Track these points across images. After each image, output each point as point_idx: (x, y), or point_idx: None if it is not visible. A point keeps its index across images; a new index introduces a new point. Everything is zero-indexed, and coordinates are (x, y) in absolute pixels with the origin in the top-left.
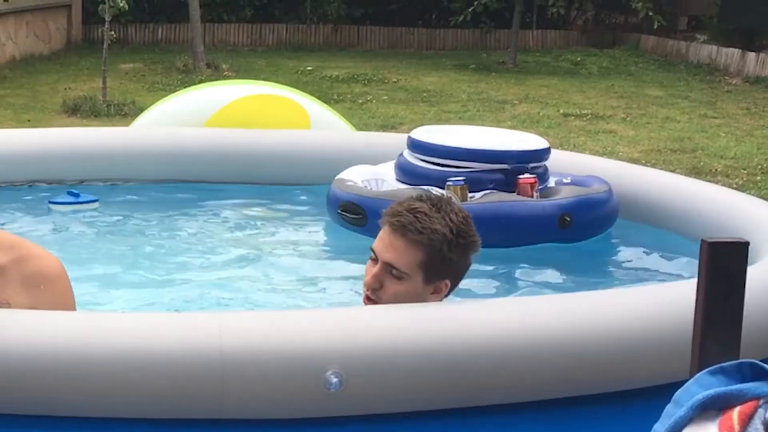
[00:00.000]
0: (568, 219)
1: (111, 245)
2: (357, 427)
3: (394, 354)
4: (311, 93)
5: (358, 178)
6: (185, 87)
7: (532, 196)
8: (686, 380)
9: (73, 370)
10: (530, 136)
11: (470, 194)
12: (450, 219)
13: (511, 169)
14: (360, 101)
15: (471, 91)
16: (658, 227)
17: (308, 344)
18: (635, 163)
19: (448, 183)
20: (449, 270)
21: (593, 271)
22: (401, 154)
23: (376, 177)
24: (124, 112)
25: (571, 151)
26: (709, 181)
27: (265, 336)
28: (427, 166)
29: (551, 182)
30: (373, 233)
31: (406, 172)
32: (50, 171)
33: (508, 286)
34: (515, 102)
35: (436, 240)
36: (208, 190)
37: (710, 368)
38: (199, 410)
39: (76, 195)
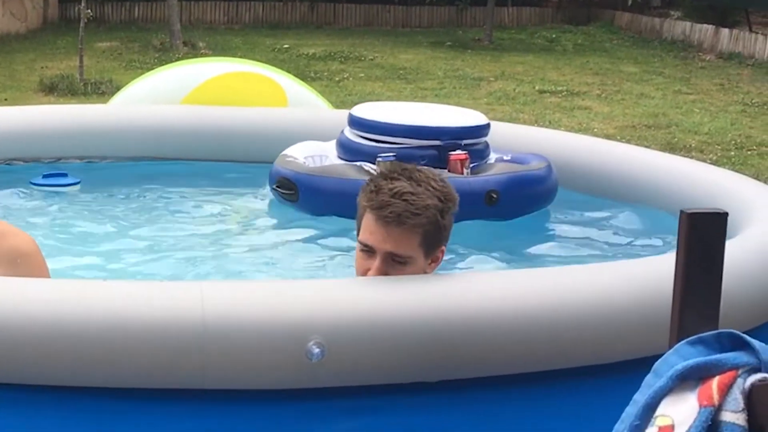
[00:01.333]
0: (495, 196)
1: (89, 222)
2: (339, 398)
3: (377, 325)
4: (288, 71)
5: (301, 154)
6: (162, 65)
7: (462, 173)
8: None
9: (52, 339)
10: (470, 114)
11: None
12: (433, 188)
13: (444, 145)
14: (337, 79)
15: (447, 69)
16: (634, 203)
17: (290, 314)
18: (610, 140)
19: (378, 159)
20: (444, 236)
21: (570, 247)
22: (342, 131)
23: (319, 153)
24: (101, 90)
25: (546, 127)
26: (684, 156)
27: (247, 305)
28: (363, 142)
29: (492, 159)
30: (305, 208)
31: (345, 148)
32: (27, 149)
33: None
34: (491, 79)
35: (432, 215)
36: (185, 166)
37: (689, 339)
38: (181, 380)
39: (59, 176)
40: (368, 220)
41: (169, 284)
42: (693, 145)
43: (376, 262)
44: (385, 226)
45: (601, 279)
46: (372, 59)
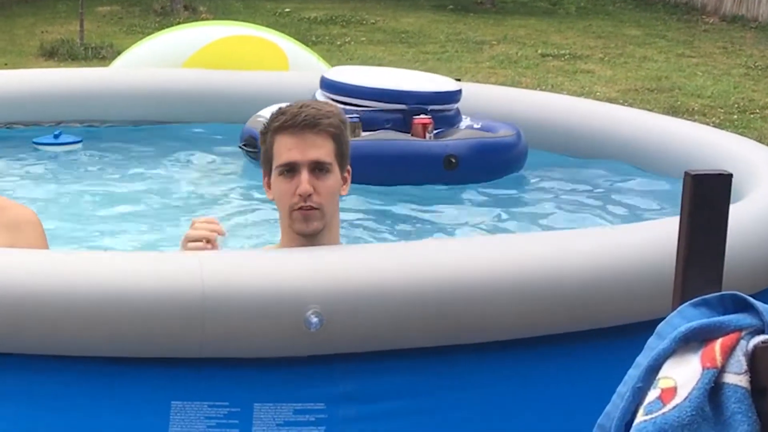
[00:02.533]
0: (454, 160)
1: (89, 186)
2: (337, 366)
3: (375, 293)
4: (289, 35)
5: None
6: (163, 29)
7: (424, 137)
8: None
9: (53, 309)
10: (440, 80)
11: (365, 132)
12: (329, 105)
13: (409, 109)
14: (338, 43)
15: (449, 32)
16: (636, 166)
17: (289, 283)
18: (613, 103)
19: (347, 122)
20: (348, 154)
21: (572, 212)
22: (314, 94)
23: None
24: (101, 55)
25: (549, 91)
26: (687, 119)
27: (246, 275)
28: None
29: (462, 126)
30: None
31: None
32: (28, 112)
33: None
34: (493, 42)
35: (338, 121)
36: (186, 130)
37: (693, 300)
38: (180, 349)
39: (61, 136)
40: (282, 140)
41: (169, 254)
42: (696, 108)
43: (302, 176)
44: (301, 134)
45: (604, 242)
46: (374, 23)
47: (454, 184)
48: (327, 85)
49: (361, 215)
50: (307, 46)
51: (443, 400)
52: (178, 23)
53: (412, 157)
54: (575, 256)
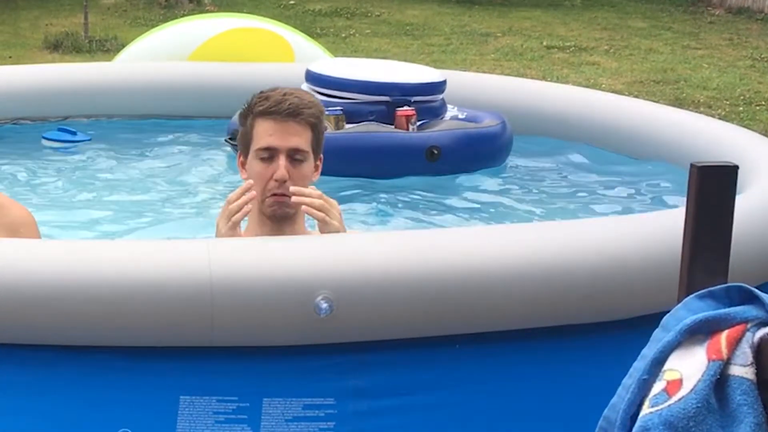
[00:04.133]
0: (436, 152)
1: (97, 181)
2: (348, 354)
3: (385, 279)
4: (294, 27)
5: None
6: (168, 21)
7: (407, 129)
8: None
9: (60, 299)
10: (425, 71)
11: (348, 125)
12: (309, 95)
13: (393, 101)
14: (343, 35)
15: (454, 24)
16: (641, 158)
17: (298, 269)
18: (618, 94)
19: (326, 113)
20: (322, 143)
21: (576, 203)
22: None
23: None
24: (106, 47)
25: (554, 83)
26: (692, 111)
27: (255, 262)
28: (315, 97)
29: (447, 116)
30: None
31: None
32: (35, 108)
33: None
34: (498, 35)
35: (317, 111)
36: (192, 125)
37: (698, 293)
38: (189, 338)
39: (72, 133)
40: (264, 124)
41: (176, 242)
42: (701, 100)
43: (280, 162)
44: (283, 121)
45: (609, 234)
46: (378, 15)
47: (437, 175)
48: (312, 77)
49: (344, 207)
50: (312, 38)
51: (459, 393)
52: (183, 15)
53: (394, 149)
54: (582, 246)
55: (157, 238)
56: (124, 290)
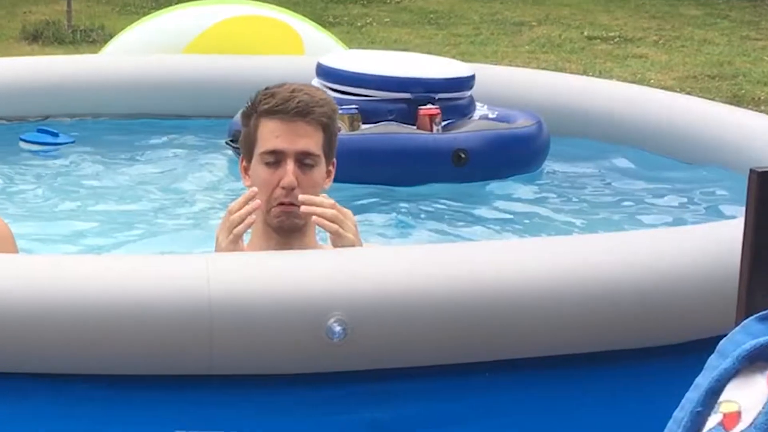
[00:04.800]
0: (464, 156)
1: (81, 188)
2: (364, 383)
3: (406, 299)
4: (303, 15)
5: None
6: (161, 9)
7: (431, 130)
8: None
9: (38, 320)
10: (451, 65)
11: (364, 125)
12: (321, 91)
13: (414, 98)
14: (358, 24)
15: (484, 12)
16: (694, 163)
17: (308, 288)
18: (668, 90)
19: (340, 111)
20: (335, 145)
21: (621, 213)
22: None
23: None
24: (91, 38)
25: (597, 78)
26: (752, 110)
27: (259, 279)
28: (329, 94)
29: (476, 116)
30: None
31: None
32: (11, 106)
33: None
34: (533, 24)
35: (330, 110)
36: (188, 125)
37: (759, 314)
38: (185, 365)
39: (53, 134)
40: (269, 125)
41: (170, 258)
42: (762, 97)
43: (288, 167)
44: (291, 121)
45: (658, 248)
46: (398, 2)
47: (465, 182)
48: (323, 72)
49: (360, 218)
50: (324, 27)
51: (489, 426)
52: (178, 2)
53: (416, 152)
54: (627, 261)
55: (149, 253)
56: (110, 311)
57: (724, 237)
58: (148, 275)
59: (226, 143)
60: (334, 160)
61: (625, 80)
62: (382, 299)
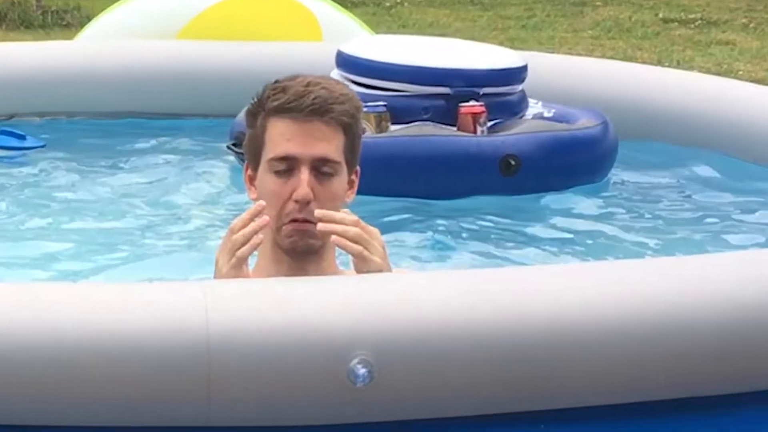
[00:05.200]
0: (514, 163)
1: (51, 200)
2: None
3: (444, 336)
4: None
5: None
6: None
7: (474, 131)
8: None
9: (5, 362)
10: (500, 53)
11: (394, 126)
12: (342, 85)
13: (455, 93)
14: (387, 4)
15: None
16: None
17: (326, 323)
18: (760, 85)
19: (364, 109)
20: (359, 151)
21: (703, 231)
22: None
23: None
24: (65, 21)
25: (673, 68)
26: None
27: (267, 312)
28: (351, 88)
29: (528, 114)
30: None
31: None
32: None
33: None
34: (598, 3)
35: (353, 107)
36: (182, 125)
37: None
38: (178, 415)
39: (20, 137)
40: (280, 126)
41: (160, 286)
42: None
43: (302, 176)
44: (306, 121)
45: (747, 274)
46: None
47: (515, 194)
48: (345, 61)
49: (388, 237)
50: (345, 8)
51: None
52: None
53: (456, 158)
54: (712, 290)
55: (134, 280)
56: (86, 350)
57: None
58: (132, 307)
59: (228, 148)
60: (358, 167)
61: (707, 72)
62: (415, 336)
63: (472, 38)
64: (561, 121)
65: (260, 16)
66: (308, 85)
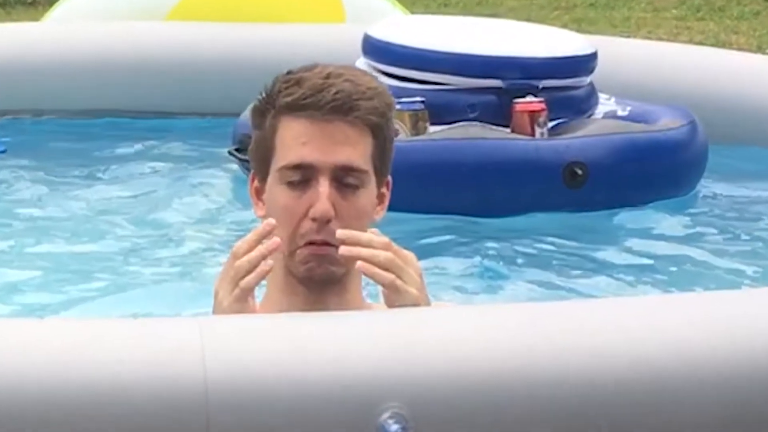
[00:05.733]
0: (581, 172)
1: (10, 218)
2: None
3: (495, 383)
4: None
5: None
6: None
7: (531, 133)
8: None
9: None
10: (564, 37)
11: (434, 127)
12: (369, 77)
13: (507, 87)
14: None
15: None
16: None
17: (351, 369)
18: None
19: (396, 107)
20: (390, 157)
21: None
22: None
23: None
24: None
25: None
26: None
27: (277, 356)
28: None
29: (598, 113)
30: None
31: None
32: None
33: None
34: None
35: (386, 108)
36: (173, 126)
37: None
38: None
39: None
40: (293, 126)
41: (146, 324)
42: None
43: (320, 189)
44: (326, 121)
45: None
46: None
47: (582, 210)
48: (374, 48)
49: (427, 264)
50: None
51: None
52: None
53: (510, 166)
54: None
55: (114, 316)
56: (56, 398)
57: None
58: (111, 350)
59: (230, 154)
60: (389, 178)
61: None
62: (458, 385)
63: (530, 19)
64: (638, 121)
65: None
66: (328, 76)
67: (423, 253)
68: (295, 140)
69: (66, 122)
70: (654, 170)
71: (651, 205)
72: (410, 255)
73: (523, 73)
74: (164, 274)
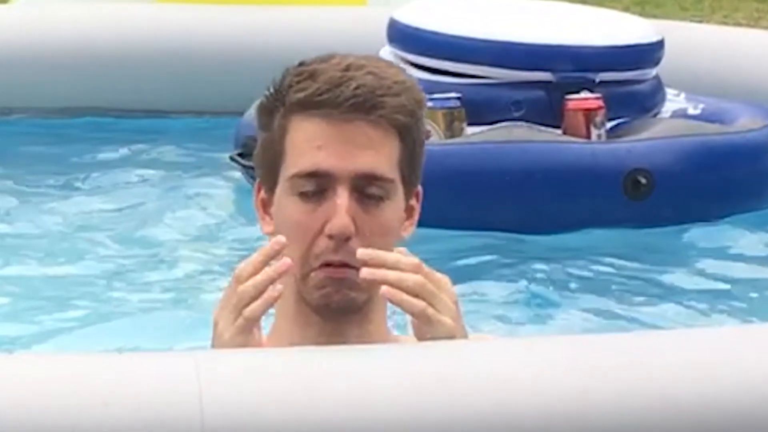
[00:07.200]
0: (645, 180)
1: None
2: None
3: (543, 426)
4: None
5: None
6: None
7: (587, 135)
8: None
9: None
10: (624, 23)
11: (472, 128)
12: (396, 69)
13: (558, 81)
14: None
15: None
16: None
17: (373, 412)
18: None
19: (428, 104)
20: (421, 163)
21: None
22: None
23: None
24: None
25: None
26: None
27: (287, 397)
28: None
29: (666, 112)
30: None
31: None
32: None
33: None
34: None
35: (415, 106)
36: (166, 127)
37: None
38: None
39: None
40: (308, 128)
41: (134, 359)
42: None
43: (340, 202)
44: (345, 121)
45: None
46: None
47: (646, 225)
48: (401, 35)
49: (463, 289)
50: None
51: None
52: None
53: (563, 173)
54: None
55: (96, 351)
56: None
57: None
58: (95, 388)
59: (232, 159)
60: (420, 188)
61: None
62: (500, 429)
63: (585, 1)
64: (713, 121)
65: None
66: (348, 68)
67: (459, 276)
68: (309, 143)
69: (39, 122)
70: (731, 179)
71: (727, 219)
72: (444, 279)
73: (577, 65)
74: (155, 300)
